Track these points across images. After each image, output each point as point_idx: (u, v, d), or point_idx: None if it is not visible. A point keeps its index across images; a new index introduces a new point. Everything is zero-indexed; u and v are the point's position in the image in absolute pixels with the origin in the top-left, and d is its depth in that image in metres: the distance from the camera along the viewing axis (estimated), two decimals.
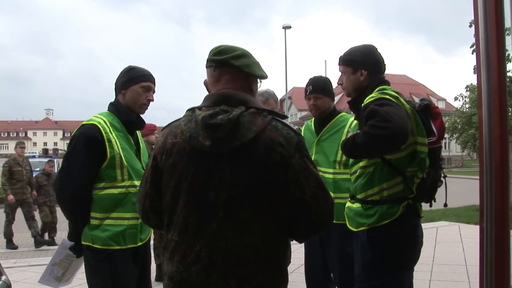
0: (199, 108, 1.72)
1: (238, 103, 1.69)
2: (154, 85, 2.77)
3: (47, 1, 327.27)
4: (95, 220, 2.54)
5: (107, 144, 2.53)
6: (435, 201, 2.55)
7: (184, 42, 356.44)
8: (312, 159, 3.39)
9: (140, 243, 2.62)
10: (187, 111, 1.76)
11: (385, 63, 2.66)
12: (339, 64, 2.71)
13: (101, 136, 2.52)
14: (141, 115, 2.80)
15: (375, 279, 2.39)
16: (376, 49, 2.67)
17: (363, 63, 2.61)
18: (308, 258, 3.62)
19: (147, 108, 2.77)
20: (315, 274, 3.53)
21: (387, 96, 2.33)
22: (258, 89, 3.54)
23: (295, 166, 1.65)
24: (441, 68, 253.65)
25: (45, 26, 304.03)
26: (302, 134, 3.67)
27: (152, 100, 2.77)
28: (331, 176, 3.31)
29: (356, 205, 2.52)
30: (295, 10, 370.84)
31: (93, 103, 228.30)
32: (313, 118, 3.63)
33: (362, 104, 2.42)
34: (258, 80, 1.84)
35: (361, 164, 2.48)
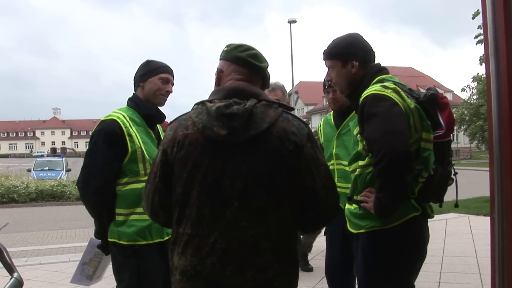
0: (209, 101, 1.72)
1: (249, 96, 1.71)
2: (173, 77, 2.77)
3: (40, 3, 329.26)
4: (120, 216, 2.54)
5: (127, 138, 2.52)
6: (442, 201, 2.39)
7: (180, 39, 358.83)
8: (334, 152, 3.41)
9: (166, 237, 2.59)
10: (195, 104, 1.76)
11: (372, 51, 2.47)
12: (324, 59, 2.52)
13: (121, 131, 2.51)
14: (160, 110, 2.79)
15: (379, 283, 2.31)
16: (362, 36, 2.48)
17: (353, 54, 2.40)
18: (330, 253, 3.58)
19: (166, 99, 2.75)
20: (336, 268, 3.50)
21: (386, 92, 2.17)
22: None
23: (307, 155, 1.69)
24: (439, 60, 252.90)
25: (41, 27, 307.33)
26: (321, 128, 3.65)
27: (171, 92, 2.76)
28: (349, 169, 3.28)
29: (354, 207, 2.38)
30: (288, 5, 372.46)
31: (94, 102, 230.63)
32: (332, 112, 3.60)
33: (362, 96, 2.26)
34: None
35: (361, 162, 2.32)
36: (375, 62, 2.47)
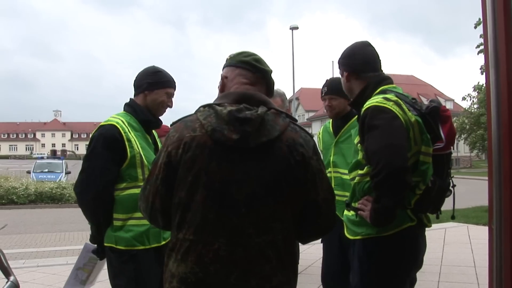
0: (218, 104, 1.69)
1: (259, 103, 1.70)
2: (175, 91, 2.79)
3: (42, 5, 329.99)
4: (118, 221, 2.52)
5: (126, 143, 2.51)
6: (440, 213, 2.40)
7: (181, 44, 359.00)
8: (331, 160, 3.44)
9: (163, 242, 2.58)
10: (201, 107, 1.73)
11: (374, 60, 2.49)
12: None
13: (120, 136, 2.51)
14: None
15: None
16: (366, 46, 2.53)
17: (343, 64, 2.54)
18: (326, 260, 3.58)
19: (164, 112, 2.78)
20: (333, 275, 3.50)
21: (387, 105, 2.19)
22: None
23: (314, 168, 1.70)
24: (440, 68, 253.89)
25: (43, 29, 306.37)
26: (321, 135, 3.67)
27: (171, 107, 2.78)
28: (349, 177, 3.30)
29: (352, 213, 2.41)
30: (289, 12, 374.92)
31: (95, 105, 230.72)
32: (331, 120, 3.63)
33: (364, 107, 2.30)
34: None
35: (360, 171, 2.35)
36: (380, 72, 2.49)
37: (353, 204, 2.38)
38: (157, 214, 1.78)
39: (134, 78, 2.76)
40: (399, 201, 2.11)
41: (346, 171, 3.28)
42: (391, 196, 2.08)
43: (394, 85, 2.42)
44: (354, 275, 2.42)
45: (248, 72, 1.80)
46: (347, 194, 3.27)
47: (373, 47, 2.52)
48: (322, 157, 3.61)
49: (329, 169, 3.45)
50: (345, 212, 2.50)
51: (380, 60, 2.52)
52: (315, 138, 3.47)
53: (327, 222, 1.79)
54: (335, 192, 3.32)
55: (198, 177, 1.63)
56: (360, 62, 2.47)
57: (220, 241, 1.60)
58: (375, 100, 2.25)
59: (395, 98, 2.23)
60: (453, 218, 2.60)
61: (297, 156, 1.66)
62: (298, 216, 1.72)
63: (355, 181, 2.38)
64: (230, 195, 1.61)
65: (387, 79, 2.44)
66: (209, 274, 1.60)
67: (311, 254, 6.21)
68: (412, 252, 2.31)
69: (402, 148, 2.09)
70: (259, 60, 1.83)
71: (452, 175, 2.44)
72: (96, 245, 2.65)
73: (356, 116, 3.30)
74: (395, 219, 2.16)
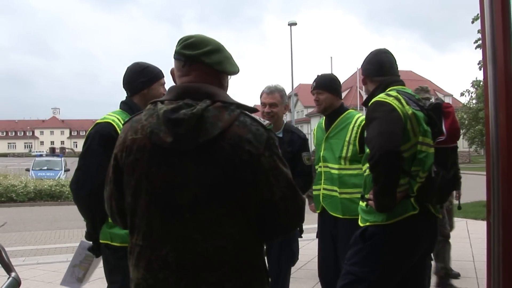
0: (162, 101, 1.59)
1: (204, 96, 1.55)
2: None
3: (38, 2, 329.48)
4: None
5: None
6: (444, 203, 2.58)
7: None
8: (321, 155, 3.48)
9: None
10: (149, 104, 1.64)
11: (386, 65, 2.73)
12: None
13: (116, 134, 2.49)
14: None
15: (358, 266, 2.49)
16: (378, 53, 2.79)
17: (362, 69, 2.85)
18: (321, 254, 3.65)
19: None
20: (328, 270, 3.55)
21: (387, 99, 2.42)
22: (269, 84, 3.59)
23: (265, 165, 1.52)
24: (438, 64, 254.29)
25: (40, 27, 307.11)
26: (315, 132, 3.75)
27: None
28: (336, 171, 3.39)
29: (364, 204, 2.57)
30: (286, 8, 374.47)
31: (93, 102, 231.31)
32: (324, 117, 3.68)
33: (369, 104, 2.55)
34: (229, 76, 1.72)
35: (367, 164, 2.47)
36: (394, 75, 2.73)
37: (366, 196, 2.56)
38: (115, 216, 1.75)
39: (123, 80, 2.75)
40: (394, 180, 2.29)
41: (335, 166, 3.43)
42: (385, 176, 2.28)
43: (403, 87, 2.65)
44: (349, 249, 2.61)
45: (181, 63, 1.64)
46: (336, 188, 3.37)
47: (388, 54, 2.78)
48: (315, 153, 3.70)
49: (320, 164, 3.57)
50: (360, 203, 2.68)
51: (395, 65, 2.77)
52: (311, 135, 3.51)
53: (289, 221, 1.60)
54: (325, 186, 3.45)
55: (140, 182, 1.55)
56: (373, 68, 2.75)
57: (167, 247, 1.52)
58: (378, 96, 2.50)
59: (395, 94, 2.46)
60: (459, 208, 2.85)
61: (243, 155, 1.49)
62: (256, 218, 1.56)
63: (366, 173, 2.57)
64: (173, 200, 1.52)
65: (397, 82, 2.68)
66: (159, 281, 1.53)
67: (310, 249, 6.21)
68: (408, 242, 2.45)
69: (394, 135, 2.31)
70: (191, 45, 1.63)
71: (459, 168, 2.65)
72: (91, 243, 2.66)
73: (346, 112, 3.53)
74: (395, 202, 2.33)
